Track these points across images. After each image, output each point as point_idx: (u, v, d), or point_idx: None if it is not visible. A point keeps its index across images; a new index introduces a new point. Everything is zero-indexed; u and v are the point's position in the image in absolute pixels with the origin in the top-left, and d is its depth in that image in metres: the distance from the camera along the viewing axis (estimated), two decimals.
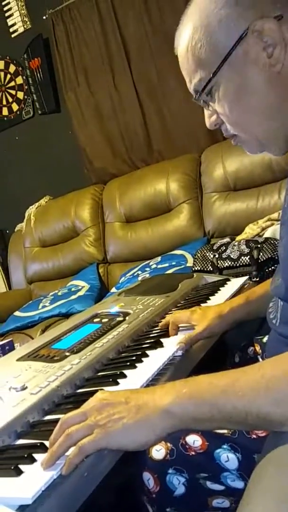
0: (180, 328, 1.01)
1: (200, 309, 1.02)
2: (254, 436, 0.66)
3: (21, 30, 3.13)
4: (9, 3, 3.11)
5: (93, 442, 0.56)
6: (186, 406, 0.55)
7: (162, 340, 0.97)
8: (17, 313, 2.61)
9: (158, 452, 0.71)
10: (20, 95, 3.22)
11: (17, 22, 3.13)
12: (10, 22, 3.15)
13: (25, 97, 3.20)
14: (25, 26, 3.12)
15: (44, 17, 2.96)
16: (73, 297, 2.46)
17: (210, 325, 0.95)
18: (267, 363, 0.57)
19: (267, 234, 2.00)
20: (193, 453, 0.69)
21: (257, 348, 0.98)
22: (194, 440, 0.70)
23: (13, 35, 3.16)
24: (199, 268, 1.95)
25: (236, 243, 1.91)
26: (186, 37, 0.70)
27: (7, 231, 3.43)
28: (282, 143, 0.71)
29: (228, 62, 0.66)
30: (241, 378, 0.54)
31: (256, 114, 0.68)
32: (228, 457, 0.66)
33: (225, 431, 0.68)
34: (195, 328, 0.96)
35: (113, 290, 2.35)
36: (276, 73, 0.65)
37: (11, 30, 3.15)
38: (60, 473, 0.56)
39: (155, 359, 0.86)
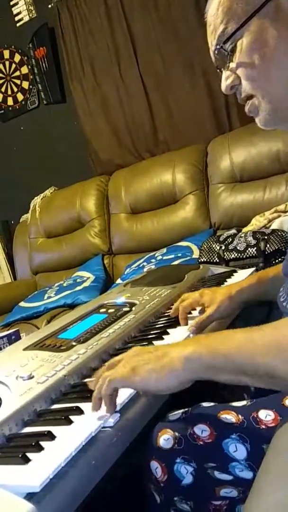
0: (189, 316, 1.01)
1: (209, 290, 1.02)
2: (263, 426, 0.66)
3: (26, 19, 3.11)
4: None
5: (121, 378, 0.64)
6: (202, 355, 0.61)
7: (169, 330, 0.97)
8: (22, 304, 2.61)
9: (166, 441, 0.71)
10: (25, 85, 3.20)
11: (22, 11, 3.11)
12: (15, 11, 3.12)
13: (30, 87, 3.18)
14: (31, 15, 3.09)
15: (50, 6, 2.93)
16: (78, 288, 2.46)
17: (220, 307, 0.97)
18: (282, 323, 0.60)
19: (274, 225, 1.99)
20: (201, 442, 0.69)
21: None
22: (202, 430, 0.69)
23: (18, 24, 3.13)
24: (205, 260, 1.94)
25: (242, 235, 1.90)
26: None
27: (12, 222, 3.42)
28: None
29: (258, 16, 0.67)
30: (254, 335, 0.59)
31: (277, 70, 0.68)
32: (236, 447, 0.66)
33: (233, 420, 0.68)
34: (205, 311, 0.97)
35: (119, 281, 2.35)
36: None
37: (16, 19, 3.12)
38: (68, 462, 0.56)
39: None
